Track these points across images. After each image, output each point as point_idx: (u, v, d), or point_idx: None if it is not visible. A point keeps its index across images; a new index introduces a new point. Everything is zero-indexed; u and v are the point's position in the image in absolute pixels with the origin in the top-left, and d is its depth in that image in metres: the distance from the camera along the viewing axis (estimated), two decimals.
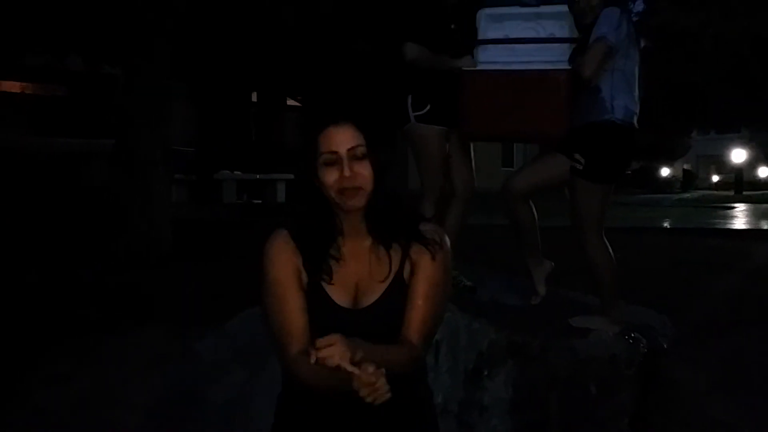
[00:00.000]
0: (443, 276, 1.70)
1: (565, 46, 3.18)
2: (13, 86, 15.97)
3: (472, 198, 3.58)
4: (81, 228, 7.89)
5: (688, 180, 38.77)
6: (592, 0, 3.09)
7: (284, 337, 1.65)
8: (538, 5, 3.22)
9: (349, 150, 1.61)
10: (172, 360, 3.83)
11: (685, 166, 41.16)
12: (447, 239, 1.73)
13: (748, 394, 3.74)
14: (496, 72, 3.20)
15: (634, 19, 3.16)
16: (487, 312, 3.20)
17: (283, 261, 1.67)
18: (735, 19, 10.03)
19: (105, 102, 14.50)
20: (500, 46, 3.23)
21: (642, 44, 3.22)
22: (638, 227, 11.93)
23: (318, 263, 1.67)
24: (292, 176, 16.74)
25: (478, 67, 3.24)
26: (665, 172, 37.53)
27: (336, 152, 1.62)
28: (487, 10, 3.26)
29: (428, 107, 3.35)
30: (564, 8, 3.18)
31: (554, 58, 3.16)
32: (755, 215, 18.25)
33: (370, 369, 1.39)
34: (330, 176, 1.62)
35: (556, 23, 3.19)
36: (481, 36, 3.25)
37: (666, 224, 15.20)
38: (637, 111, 3.16)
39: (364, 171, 1.62)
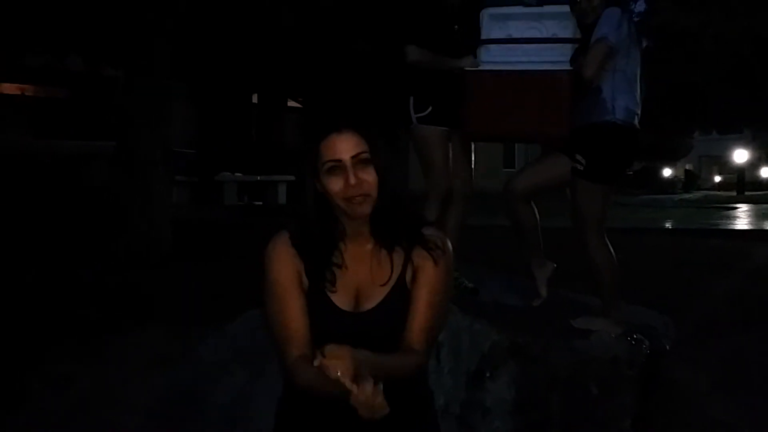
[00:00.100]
0: (445, 281, 1.70)
1: (568, 46, 3.18)
2: (13, 88, 15.97)
3: (471, 198, 3.58)
4: (81, 229, 7.90)
5: (690, 180, 38.72)
6: (593, 0, 3.09)
7: (284, 340, 1.65)
8: (541, 5, 3.22)
9: (353, 157, 1.61)
10: (172, 361, 3.83)
11: (687, 167, 41.10)
12: (449, 244, 1.72)
13: (750, 394, 3.74)
14: (499, 72, 3.20)
15: (635, 19, 3.15)
16: (488, 313, 3.19)
17: (284, 264, 1.66)
18: (736, 19, 10.02)
19: (105, 104, 14.50)
20: (503, 46, 3.23)
21: (643, 44, 3.21)
22: (640, 228, 11.93)
23: (320, 268, 1.67)
24: (293, 178, 16.72)
25: (481, 67, 3.24)
26: (667, 172, 37.47)
27: (340, 160, 1.61)
28: (490, 10, 3.26)
29: (430, 108, 3.34)
30: (567, 8, 3.18)
31: (556, 58, 3.16)
32: (757, 216, 18.23)
33: (368, 388, 1.38)
34: (335, 184, 1.61)
35: (559, 23, 3.19)
36: (484, 36, 3.25)
37: (668, 225, 15.20)
38: (639, 111, 3.16)
39: (369, 177, 1.62)
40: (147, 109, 7.34)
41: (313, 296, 1.66)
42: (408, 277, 1.68)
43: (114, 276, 6.11)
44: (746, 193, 31.31)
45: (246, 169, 17.19)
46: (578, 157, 3.10)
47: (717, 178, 41.84)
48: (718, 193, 34.51)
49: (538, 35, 3.20)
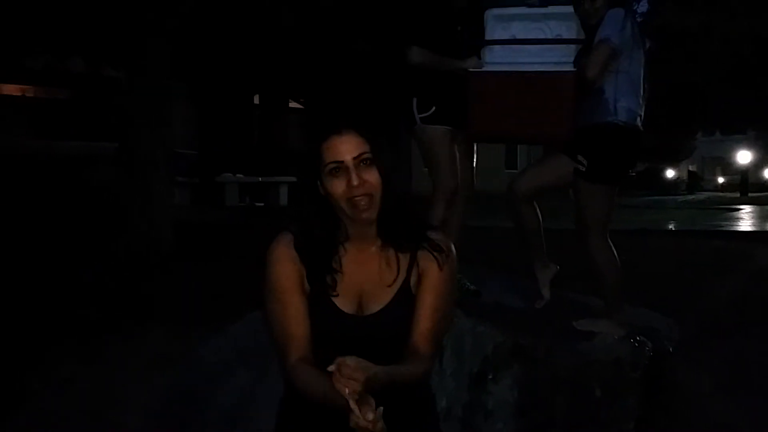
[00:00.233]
0: (450, 285, 1.70)
1: (571, 47, 3.17)
2: (14, 89, 15.99)
3: (472, 199, 3.57)
4: (82, 229, 7.90)
5: (693, 181, 38.68)
6: (597, 2, 3.08)
7: (285, 343, 1.64)
8: (545, 6, 3.21)
9: (355, 158, 1.60)
10: (174, 362, 3.82)
11: (691, 168, 41.08)
12: (453, 247, 1.72)
13: (753, 396, 3.72)
14: (502, 73, 3.19)
15: (638, 20, 3.14)
16: (490, 315, 3.19)
17: (286, 266, 1.66)
18: (738, 20, 10.01)
19: (106, 105, 14.50)
20: (507, 46, 3.22)
21: (647, 45, 3.20)
22: (643, 229, 11.90)
23: (321, 271, 1.66)
24: (294, 179, 16.71)
25: (485, 68, 3.23)
26: (670, 173, 37.46)
27: (342, 161, 1.60)
28: (495, 11, 3.26)
29: (433, 109, 3.33)
30: (570, 9, 3.18)
31: (561, 59, 3.15)
32: (761, 217, 18.20)
33: (370, 416, 1.38)
34: (338, 186, 1.61)
35: (563, 24, 3.18)
36: (488, 37, 3.25)
37: (671, 226, 15.16)
38: (642, 113, 3.14)
39: (372, 178, 1.61)
40: (147, 109, 7.34)
41: (316, 299, 1.66)
42: (413, 280, 1.68)
43: (114, 276, 6.11)
44: (750, 194, 31.28)
45: (247, 170, 17.18)
46: (580, 158, 3.10)
47: (720, 180, 41.80)
48: (722, 194, 34.48)
49: (542, 36, 3.19)
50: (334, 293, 1.65)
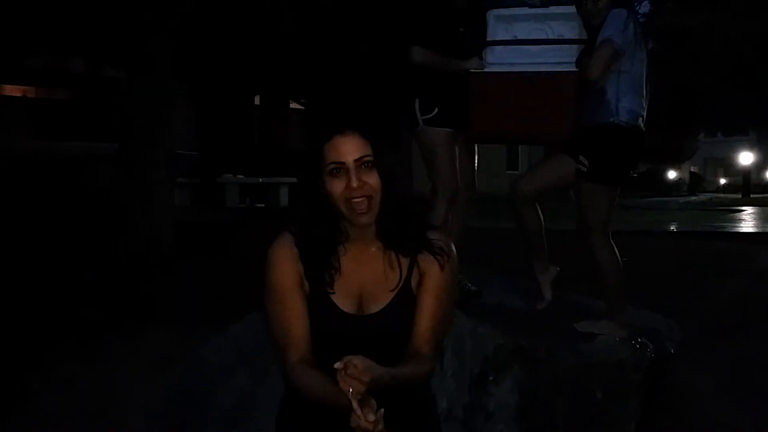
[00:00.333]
0: (451, 286, 1.70)
1: (573, 47, 3.17)
2: (14, 89, 16.00)
3: (474, 201, 3.56)
4: (83, 230, 7.90)
5: (695, 183, 38.64)
6: (599, 2, 3.07)
7: (285, 344, 1.64)
8: (546, 6, 3.21)
9: (356, 160, 1.60)
10: (175, 362, 3.82)
11: (692, 169, 41.05)
12: (454, 248, 1.72)
13: (755, 397, 3.71)
14: (504, 73, 3.19)
15: (641, 20, 3.14)
16: (491, 316, 3.18)
17: (286, 266, 1.66)
18: (739, 20, 10.01)
19: (107, 105, 14.51)
20: (508, 47, 3.22)
21: (649, 46, 3.19)
22: (645, 230, 11.89)
23: (321, 271, 1.66)
24: (295, 180, 16.69)
25: (487, 69, 3.22)
26: (672, 174, 37.41)
27: (343, 163, 1.60)
28: (496, 12, 3.25)
29: (436, 110, 3.32)
30: (572, 9, 3.18)
31: (562, 59, 3.15)
32: (763, 218, 18.19)
33: (371, 417, 1.39)
34: (337, 187, 1.61)
35: (565, 24, 3.18)
36: (489, 37, 3.25)
37: (673, 227, 15.15)
38: (644, 113, 3.14)
39: (372, 181, 1.61)
40: (148, 109, 7.34)
41: (316, 299, 1.66)
42: (414, 281, 1.68)
43: (114, 277, 6.11)
44: (752, 195, 31.22)
45: (248, 171, 17.17)
46: (581, 158, 3.09)
47: (722, 181, 41.76)
48: (723, 195, 34.44)
49: (543, 36, 3.19)
50: (332, 291, 1.65)
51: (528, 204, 3.27)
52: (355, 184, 1.59)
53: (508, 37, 3.23)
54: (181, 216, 8.59)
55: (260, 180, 17.20)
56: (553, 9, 3.22)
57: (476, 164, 3.60)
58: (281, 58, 12.07)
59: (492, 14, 3.25)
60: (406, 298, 1.67)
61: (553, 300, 3.39)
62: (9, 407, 3.77)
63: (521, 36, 3.21)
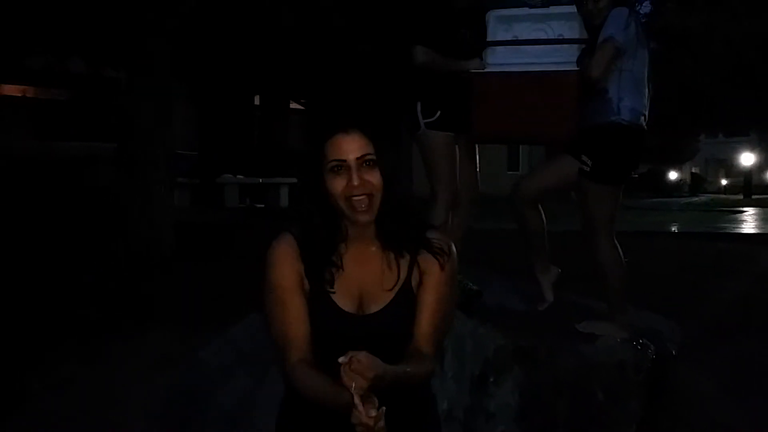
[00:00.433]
0: (452, 285, 1.70)
1: (574, 47, 3.16)
2: (14, 90, 16.00)
3: (477, 202, 3.55)
4: (82, 230, 7.90)
5: (696, 183, 38.64)
6: (600, 2, 3.06)
7: (285, 344, 1.64)
8: (546, 6, 3.20)
9: (357, 159, 1.60)
10: (175, 363, 3.81)
11: (694, 170, 41.03)
12: (454, 247, 1.71)
13: (756, 399, 3.71)
14: (505, 74, 3.18)
15: (642, 20, 3.13)
16: (492, 317, 3.17)
17: (286, 266, 1.65)
18: (739, 21, 10.00)
19: (107, 106, 14.51)
20: (509, 47, 3.21)
21: (651, 46, 3.18)
22: (646, 231, 11.88)
23: (321, 270, 1.65)
24: (295, 180, 16.69)
25: (487, 69, 3.21)
26: (673, 175, 37.41)
27: (344, 160, 1.60)
28: (496, 12, 3.24)
29: (438, 114, 3.30)
30: (573, 8, 3.17)
31: (563, 59, 3.14)
32: (764, 219, 18.18)
33: (372, 413, 1.38)
34: (338, 184, 1.60)
35: (565, 24, 3.17)
36: (490, 38, 3.23)
37: (674, 228, 15.14)
38: (646, 112, 3.13)
39: (373, 179, 1.60)
40: (148, 109, 7.35)
41: (316, 298, 1.65)
42: (414, 281, 1.67)
43: (115, 277, 6.11)
44: (753, 196, 31.18)
45: (248, 172, 17.17)
46: (584, 158, 3.08)
47: (723, 182, 41.74)
48: (725, 196, 34.41)
49: (544, 36, 3.18)
50: (333, 290, 1.64)
51: (530, 205, 3.26)
52: (356, 182, 1.58)
53: (508, 38, 3.22)
54: (181, 216, 8.59)
55: (260, 180, 17.19)
56: (553, 9, 3.21)
57: (477, 165, 3.59)
58: (281, 58, 12.07)
59: (492, 15, 3.24)
60: (406, 298, 1.66)
61: (554, 301, 3.38)
62: (9, 407, 3.77)
63: (521, 36, 3.20)
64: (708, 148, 38.54)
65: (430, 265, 1.66)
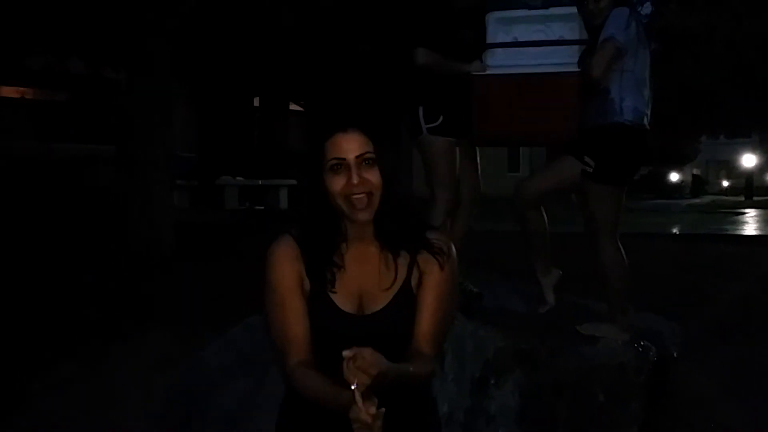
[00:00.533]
0: (452, 285, 1.70)
1: (575, 47, 3.15)
2: (14, 91, 16.00)
3: (478, 203, 3.54)
4: (82, 231, 7.90)
5: (697, 185, 38.61)
6: (601, 2, 3.06)
7: (284, 345, 1.64)
8: (546, 7, 3.19)
9: (357, 157, 1.60)
10: (175, 364, 3.81)
11: (695, 171, 41.01)
12: (453, 248, 1.71)
13: (757, 400, 3.70)
14: (506, 76, 3.17)
15: (643, 21, 3.12)
16: (493, 319, 3.16)
17: (285, 267, 1.65)
18: (740, 21, 10.00)
19: (107, 107, 14.51)
20: (509, 49, 3.20)
21: (652, 46, 3.18)
22: (647, 233, 11.86)
23: (321, 269, 1.65)
24: (294, 182, 16.70)
25: (488, 72, 3.20)
26: (674, 177, 37.39)
27: (344, 159, 1.60)
28: (496, 14, 3.23)
29: (441, 119, 3.29)
30: (572, 10, 3.16)
31: (564, 60, 3.13)
32: (765, 221, 18.15)
33: (372, 410, 1.37)
34: (337, 183, 1.60)
35: (565, 25, 3.16)
36: (489, 40, 3.23)
37: (675, 230, 15.13)
38: (648, 112, 3.12)
39: (372, 178, 1.60)
40: (147, 110, 7.35)
41: (315, 298, 1.65)
42: (414, 281, 1.67)
43: (115, 277, 6.11)
44: (754, 198, 31.16)
45: (247, 173, 17.16)
46: (587, 159, 3.07)
47: (724, 183, 41.73)
48: (726, 197, 34.39)
49: (543, 38, 3.17)
50: (334, 290, 1.64)
51: (532, 206, 3.25)
52: (355, 181, 1.59)
53: (508, 40, 3.21)
54: (180, 217, 8.59)
55: (259, 182, 17.18)
56: (552, 10, 3.20)
57: (478, 166, 3.58)
58: (281, 59, 12.07)
59: (491, 17, 3.23)
60: (406, 298, 1.66)
61: (555, 303, 3.37)
62: (9, 407, 3.77)
63: (521, 38, 3.19)
64: (709, 150, 38.52)
65: (429, 265, 1.66)
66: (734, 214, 20.72)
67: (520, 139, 3.67)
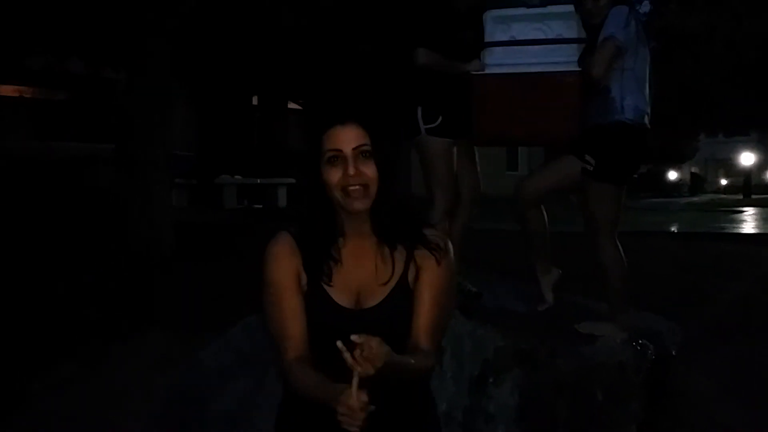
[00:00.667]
0: (449, 281, 1.70)
1: (574, 46, 3.15)
2: (13, 90, 15.97)
3: (477, 202, 3.54)
4: (82, 231, 7.89)
5: (696, 183, 38.60)
6: (600, 0, 3.06)
7: (281, 342, 1.64)
8: (544, 5, 3.19)
9: (354, 149, 1.60)
10: (175, 364, 3.81)
11: (693, 170, 40.99)
12: (450, 244, 1.72)
13: (756, 400, 3.70)
14: (505, 75, 3.16)
15: (642, 19, 3.13)
16: (492, 318, 3.16)
17: (283, 263, 1.66)
18: (740, 21, 9.99)
19: (106, 106, 14.49)
20: (508, 48, 3.19)
21: (651, 45, 3.18)
22: (646, 231, 11.85)
23: (318, 263, 1.65)
24: (293, 181, 16.68)
25: (486, 71, 3.20)
26: (673, 175, 37.38)
27: (341, 151, 1.60)
28: (493, 12, 3.23)
29: (440, 119, 3.29)
30: (570, 8, 3.16)
31: (563, 59, 3.13)
32: (764, 219, 18.15)
33: (364, 397, 1.37)
34: (334, 175, 1.61)
35: (564, 23, 3.15)
36: (488, 38, 3.22)
37: (674, 228, 15.13)
38: (649, 111, 3.13)
39: (369, 170, 1.61)
40: (147, 109, 7.34)
41: (312, 292, 1.65)
42: (410, 276, 1.68)
43: (114, 277, 6.10)
44: (753, 196, 31.16)
45: (246, 172, 17.12)
46: (588, 157, 3.07)
47: (723, 182, 41.72)
48: (725, 196, 34.37)
49: (542, 36, 3.17)
50: (330, 284, 1.65)
51: (532, 206, 3.25)
52: (351, 172, 1.59)
53: (506, 38, 3.21)
54: (179, 217, 8.58)
55: (258, 181, 17.16)
56: (550, 8, 3.20)
57: (477, 165, 3.58)
58: (280, 59, 12.05)
59: (489, 15, 3.22)
60: (403, 293, 1.66)
61: (554, 302, 3.38)
62: (9, 407, 3.77)
63: (519, 37, 3.19)
64: (708, 148, 38.49)
65: (426, 260, 1.67)
66: (733, 212, 20.72)
67: (520, 138, 3.67)
